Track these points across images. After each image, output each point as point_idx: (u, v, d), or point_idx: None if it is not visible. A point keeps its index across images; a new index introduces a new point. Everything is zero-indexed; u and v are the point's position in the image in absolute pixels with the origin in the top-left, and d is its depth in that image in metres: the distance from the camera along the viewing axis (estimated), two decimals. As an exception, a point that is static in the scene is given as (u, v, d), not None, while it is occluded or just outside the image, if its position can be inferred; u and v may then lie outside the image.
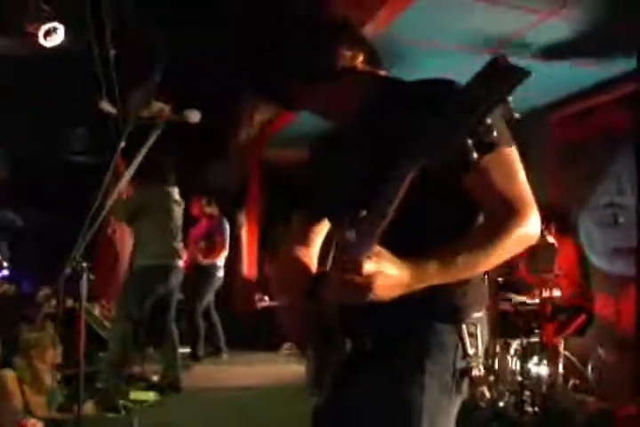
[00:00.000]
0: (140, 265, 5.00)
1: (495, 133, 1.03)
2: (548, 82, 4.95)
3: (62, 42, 4.92)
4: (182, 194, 5.35)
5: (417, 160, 1.08)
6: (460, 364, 1.45)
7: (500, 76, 0.97)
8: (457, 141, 1.01)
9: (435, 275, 1.30)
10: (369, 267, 1.18)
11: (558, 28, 4.43)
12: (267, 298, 8.34)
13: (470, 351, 1.45)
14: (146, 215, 4.94)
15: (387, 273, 1.21)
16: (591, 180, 5.53)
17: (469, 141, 1.01)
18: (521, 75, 0.96)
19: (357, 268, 1.17)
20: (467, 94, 1.00)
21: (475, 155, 1.03)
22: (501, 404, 4.22)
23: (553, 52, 4.77)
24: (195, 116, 2.77)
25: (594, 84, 5.48)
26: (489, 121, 1.00)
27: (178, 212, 5.20)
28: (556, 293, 4.52)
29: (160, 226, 4.99)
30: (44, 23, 4.83)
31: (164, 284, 4.94)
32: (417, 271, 1.26)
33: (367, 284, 1.19)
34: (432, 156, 1.05)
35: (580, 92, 5.68)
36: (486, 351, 4.46)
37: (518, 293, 4.59)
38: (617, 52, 4.78)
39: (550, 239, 4.67)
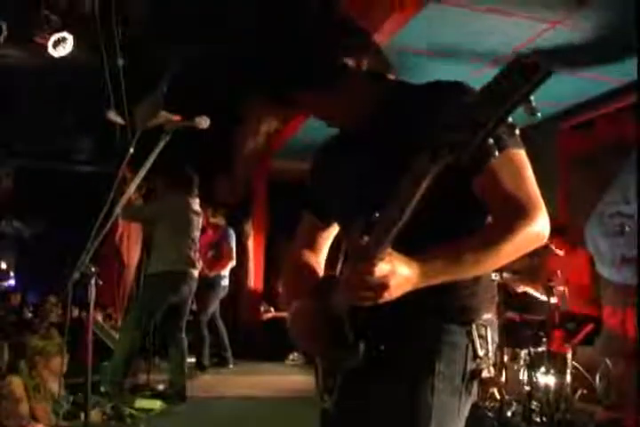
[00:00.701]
0: (153, 271, 5.03)
1: (516, 134, 1.03)
2: (557, 92, 4.97)
3: (71, 52, 4.95)
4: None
5: (436, 160, 1.06)
6: (471, 365, 1.44)
7: (523, 73, 0.96)
8: (478, 140, 1.00)
9: (442, 272, 1.31)
10: (383, 268, 1.19)
11: (565, 38, 4.46)
12: (272, 309, 8.32)
13: (480, 353, 1.45)
14: (164, 223, 5.01)
15: (399, 273, 1.22)
16: (599, 189, 5.52)
17: (490, 140, 1.00)
18: (544, 74, 0.95)
19: (372, 269, 1.18)
20: (489, 92, 0.99)
21: (497, 153, 1.02)
22: (509, 413, 4.19)
23: (560, 61, 4.79)
24: (204, 122, 2.77)
25: (600, 93, 5.49)
26: (510, 119, 0.99)
27: (197, 222, 5.24)
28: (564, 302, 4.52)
29: (177, 234, 5.03)
30: (52, 33, 4.87)
31: (176, 291, 4.95)
32: (425, 269, 1.27)
33: (382, 285, 1.20)
34: (452, 155, 1.03)
35: (587, 102, 5.70)
36: (494, 361, 4.42)
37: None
38: (623, 61, 4.80)
39: (557, 250, 4.67)
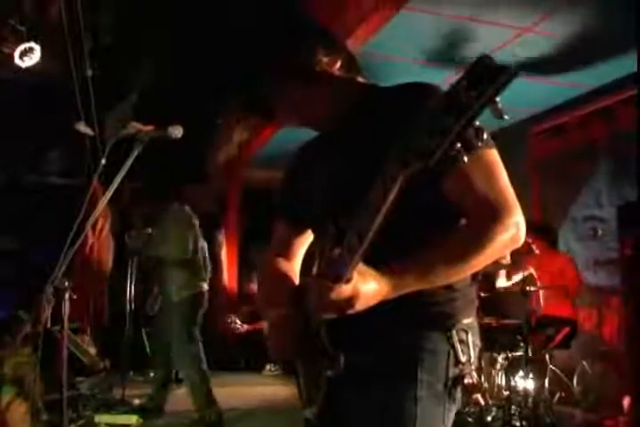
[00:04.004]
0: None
1: (485, 135, 1.01)
2: (527, 97, 5.01)
3: (38, 62, 4.88)
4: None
5: (405, 168, 1.03)
6: (453, 371, 1.42)
7: (487, 75, 0.93)
8: (446, 145, 0.97)
9: (414, 283, 1.30)
10: (351, 282, 1.18)
11: (534, 43, 4.51)
12: (237, 321, 8.17)
13: (462, 358, 1.43)
14: (178, 237, 4.80)
15: (366, 287, 1.21)
16: (571, 194, 5.59)
17: (458, 145, 0.98)
18: (509, 74, 0.92)
19: (339, 283, 1.17)
20: (454, 96, 0.96)
21: (465, 158, 1.00)
22: (489, 418, 4.19)
23: (530, 67, 4.84)
24: (178, 131, 2.73)
25: (571, 98, 5.56)
26: (477, 123, 0.97)
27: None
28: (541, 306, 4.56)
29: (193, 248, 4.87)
30: (19, 43, 4.80)
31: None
32: (395, 282, 1.27)
33: (348, 298, 1.20)
34: (420, 162, 1.01)
35: (558, 106, 5.76)
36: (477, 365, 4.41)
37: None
38: (593, 66, 4.86)
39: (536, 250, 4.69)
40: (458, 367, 1.42)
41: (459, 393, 1.45)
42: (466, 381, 1.44)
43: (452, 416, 1.46)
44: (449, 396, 1.42)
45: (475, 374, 1.46)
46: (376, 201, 1.09)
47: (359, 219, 1.13)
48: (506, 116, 0.97)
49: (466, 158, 1.01)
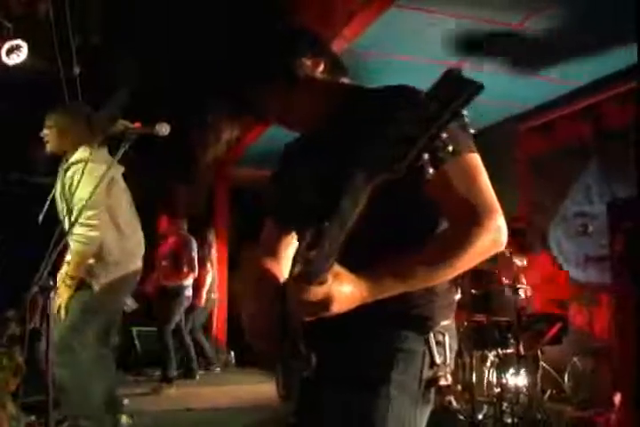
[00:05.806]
0: None
1: (451, 146, 1.01)
2: (515, 94, 5.01)
3: (25, 60, 4.85)
4: (150, 211, 5.23)
5: (372, 175, 1.03)
6: (428, 373, 1.43)
7: (453, 89, 0.94)
8: (410, 158, 0.97)
9: (392, 287, 1.30)
10: (326, 284, 1.18)
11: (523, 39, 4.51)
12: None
13: (438, 360, 1.44)
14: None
15: (342, 290, 1.21)
16: (560, 191, 5.60)
17: (425, 156, 0.98)
18: (475, 88, 0.93)
19: (314, 284, 1.17)
20: (421, 109, 0.97)
21: (430, 170, 1.00)
22: (480, 416, 4.18)
23: (519, 64, 4.85)
24: (165, 129, 2.71)
25: (560, 95, 5.57)
26: (444, 135, 0.97)
27: None
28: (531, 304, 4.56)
29: None
30: (6, 40, 4.77)
31: None
32: (372, 285, 1.26)
33: (324, 301, 1.19)
34: (385, 171, 1.01)
35: (547, 103, 5.76)
36: (463, 364, 4.45)
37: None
38: (581, 63, 4.87)
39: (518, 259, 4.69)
40: (433, 369, 1.44)
41: (432, 394, 1.45)
42: (441, 383, 1.45)
43: (425, 416, 1.46)
44: (422, 396, 1.43)
45: (449, 376, 1.47)
46: (345, 208, 1.08)
47: (331, 224, 1.12)
48: (471, 130, 0.97)
49: (431, 170, 1.00)
